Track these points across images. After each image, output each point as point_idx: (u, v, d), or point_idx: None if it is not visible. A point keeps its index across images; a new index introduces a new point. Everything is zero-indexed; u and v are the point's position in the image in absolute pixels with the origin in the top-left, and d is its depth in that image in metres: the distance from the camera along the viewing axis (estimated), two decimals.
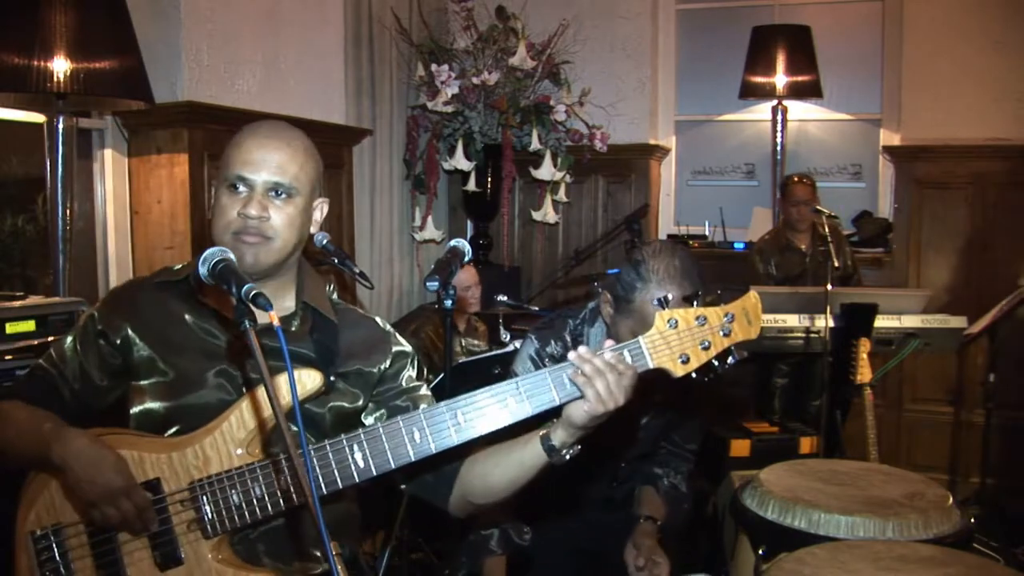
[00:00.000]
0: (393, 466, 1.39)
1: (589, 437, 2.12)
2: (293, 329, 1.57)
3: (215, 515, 1.42)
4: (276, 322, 1.18)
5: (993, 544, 3.24)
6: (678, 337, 1.34)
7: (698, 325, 1.35)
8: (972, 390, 4.39)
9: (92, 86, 2.42)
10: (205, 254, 1.33)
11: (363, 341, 1.62)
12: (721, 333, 1.35)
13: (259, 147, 1.51)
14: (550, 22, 4.69)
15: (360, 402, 1.58)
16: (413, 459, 1.38)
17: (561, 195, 4.78)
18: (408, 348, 1.66)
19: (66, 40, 2.36)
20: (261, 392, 1.44)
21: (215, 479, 1.43)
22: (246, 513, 1.42)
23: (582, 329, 2.10)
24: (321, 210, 1.61)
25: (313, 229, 1.60)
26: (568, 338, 2.08)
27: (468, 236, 5.07)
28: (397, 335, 1.67)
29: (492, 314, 3.75)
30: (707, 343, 1.35)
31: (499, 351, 3.23)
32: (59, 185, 2.59)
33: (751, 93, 4.73)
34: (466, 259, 1.90)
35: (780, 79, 4.59)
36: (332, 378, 1.53)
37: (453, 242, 1.80)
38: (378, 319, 1.69)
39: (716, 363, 1.35)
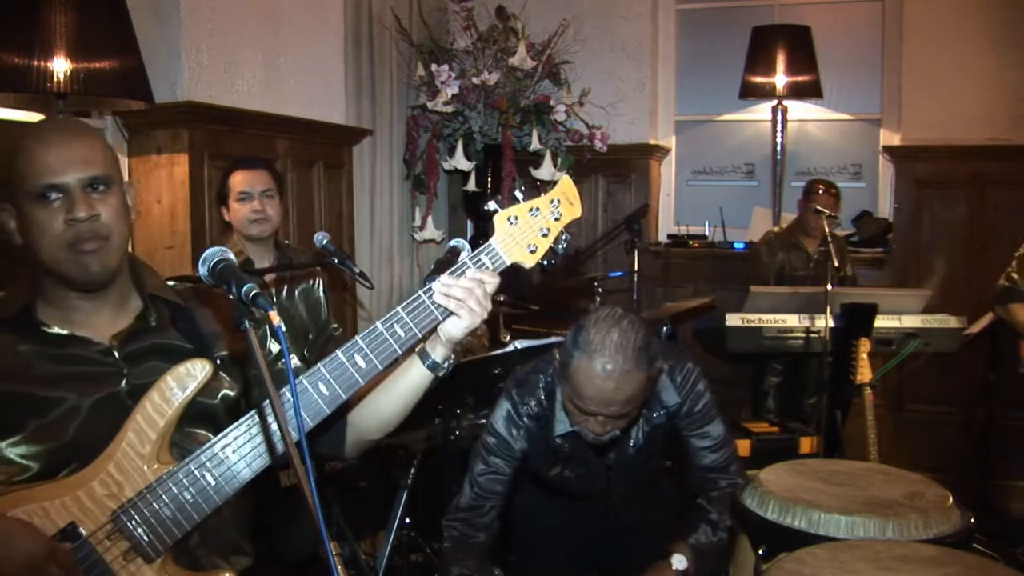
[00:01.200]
0: (311, 424, 1.37)
1: (566, 493, 2.15)
2: (153, 324, 1.47)
3: (151, 535, 1.34)
4: (276, 321, 1.18)
5: (993, 544, 3.24)
6: (520, 231, 1.46)
7: (531, 216, 1.46)
8: (972, 390, 4.39)
9: (92, 86, 2.42)
10: (205, 254, 1.31)
11: (223, 318, 1.54)
12: (552, 218, 1.47)
13: (55, 146, 1.36)
14: (550, 22, 4.69)
15: (238, 388, 1.52)
16: (328, 411, 1.38)
17: None
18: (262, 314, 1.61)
19: (66, 40, 2.36)
20: (151, 399, 1.36)
21: (137, 500, 1.34)
22: (183, 521, 1.35)
23: (554, 385, 2.07)
24: (131, 194, 1.48)
25: (133, 216, 1.47)
26: (542, 395, 2.09)
27: (468, 236, 5.06)
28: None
29: (492, 314, 3.75)
30: (545, 230, 1.46)
31: (499, 351, 3.24)
32: None
33: (751, 93, 4.74)
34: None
35: (780, 79, 4.59)
36: (218, 361, 1.48)
37: (453, 242, 1.80)
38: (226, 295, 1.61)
39: (555, 246, 1.46)
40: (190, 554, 1.41)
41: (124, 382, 1.41)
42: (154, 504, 1.34)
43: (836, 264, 3.36)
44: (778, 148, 4.71)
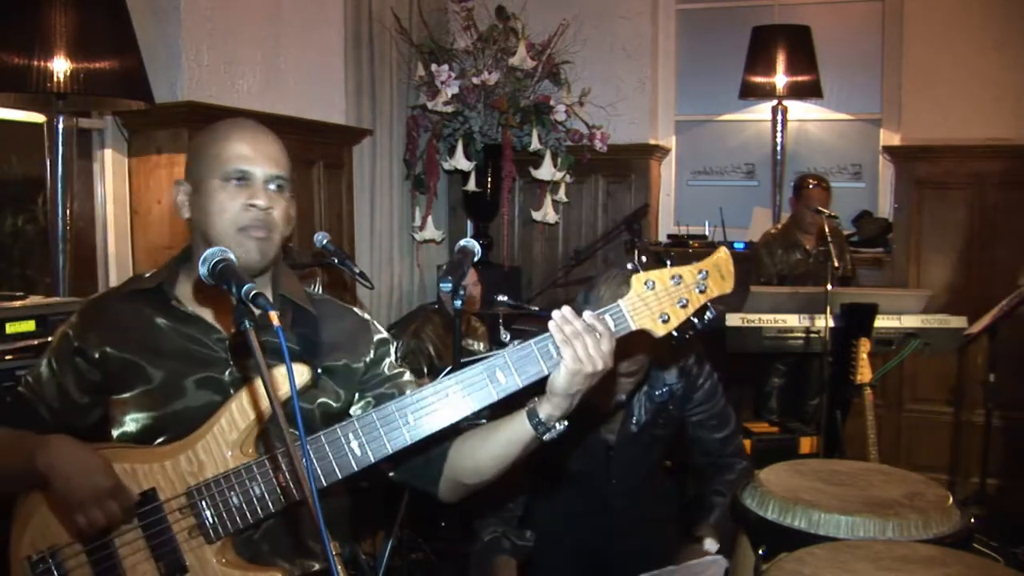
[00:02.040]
0: (390, 451, 1.38)
1: (567, 481, 2.14)
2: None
3: (216, 519, 1.41)
4: (277, 322, 1.18)
5: (993, 544, 3.24)
6: (656, 297, 1.38)
7: (674, 284, 1.38)
8: (972, 390, 4.39)
9: (92, 86, 2.42)
10: (205, 254, 1.32)
11: (345, 333, 1.60)
12: (697, 290, 1.38)
13: (252, 140, 1.51)
14: (550, 22, 4.68)
15: (343, 401, 1.57)
16: (409, 442, 1.38)
17: (561, 195, 4.78)
18: (387, 335, 1.66)
19: (66, 40, 2.36)
20: (248, 392, 1.43)
21: (212, 483, 1.42)
22: (247, 513, 1.41)
23: None
24: (293, 207, 1.58)
25: (291, 224, 1.58)
26: None
27: (468, 236, 5.07)
28: (375, 323, 1.66)
29: (492, 314, 3.75)
30: (684, 301, 1.38)
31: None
32: (59, 185, 2.59)
33: (751, 93, 4.74)
34: (476, 258, 1.91)
35: (780, 79, 4.59)
36: (320, 371, 1.52)
37: (463, 242, 1.81)
38: (356, 309, 1.68)
39: (695, 320, 1.40)
40: (252, 546, 1.47)
41: (228, 372, 1.50)
42: (226, 490, 1.41)
43: (836, 264, 3.36)
44: (778, 148, 4.71)
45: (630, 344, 1.50)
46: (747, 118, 5.07)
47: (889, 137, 4.78)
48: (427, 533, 3.59)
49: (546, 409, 1.40)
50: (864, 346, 3.16)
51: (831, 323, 3.28)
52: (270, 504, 1.42)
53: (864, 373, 3.14)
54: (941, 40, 4.52)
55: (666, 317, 1.38)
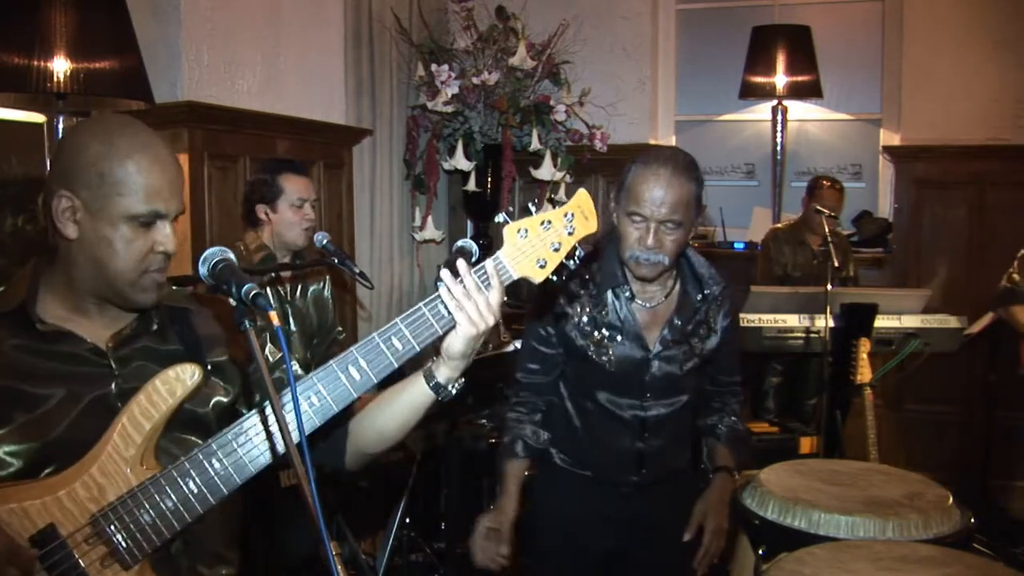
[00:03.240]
0: (336, 409, 1.36)
1: (611, 387, 2.17)
2: (154, 328, 1.46)
3: (129, 541, 1.30)
4: (277, 322, 1.17)
5: (993, 544, 3.24)
6: (530, 244, 1.41)
7: (544, 230, 1.41)
8: (972, 390, 4.39)
9: (92, 86, 2.42)
10: (205, 254, 1.30)
11: (220, 324, 1.52)
12: (566, 232, 1.41)
13: (162, 171, 1.36)
14: (550, 22, 4.69)
15: (232, 395, 1.50)
16: (319, 423, 1.35)
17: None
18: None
19: (66, 40, 2.36)
20: (139, 402, 1.34)
21: (117, 505, 1.30)
22: (163, 529, 1.32)
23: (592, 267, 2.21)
24: None
25: None
26: (583, 278, 2.20)
27: (468, 236, 5.07)
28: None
29: None
30: (557, 244, 1.41)
31: (499, 351, 3.24)
32: None
33: (751, 93, 4.74)
34: (473, 259, 1.90)
35: (780, 79, 4.59)
36: (209, 367, 1.45)
37: (460, 242, 1.80)
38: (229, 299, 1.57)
39: (567, 261, 1.42)
40: (171, 562, 1.38)
41: (114, 384, 1.39)
42: (135, 509, 1.31)
43: (836, 264, 3.36)
44: (778, 148, 4.71)
45: None
46: (747, 118, 5.07)
47: (889, 137, 4.79)
48: (427, 533, 3.59)
49: (444, 372, 1.42)
50: (864, 346, 3.16)
51: (831, 323, 3.28)
52: (186, 514, 1.33)
53: (864, 373, 3.14)
54: (941, 40, 4.52)
55: (543, 262, 1.41)
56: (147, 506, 1.31)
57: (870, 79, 4.86)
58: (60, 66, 2.36)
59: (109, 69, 2.46)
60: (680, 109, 5.21)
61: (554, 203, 4.75)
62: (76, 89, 2.39)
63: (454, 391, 1.44)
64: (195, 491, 1.33)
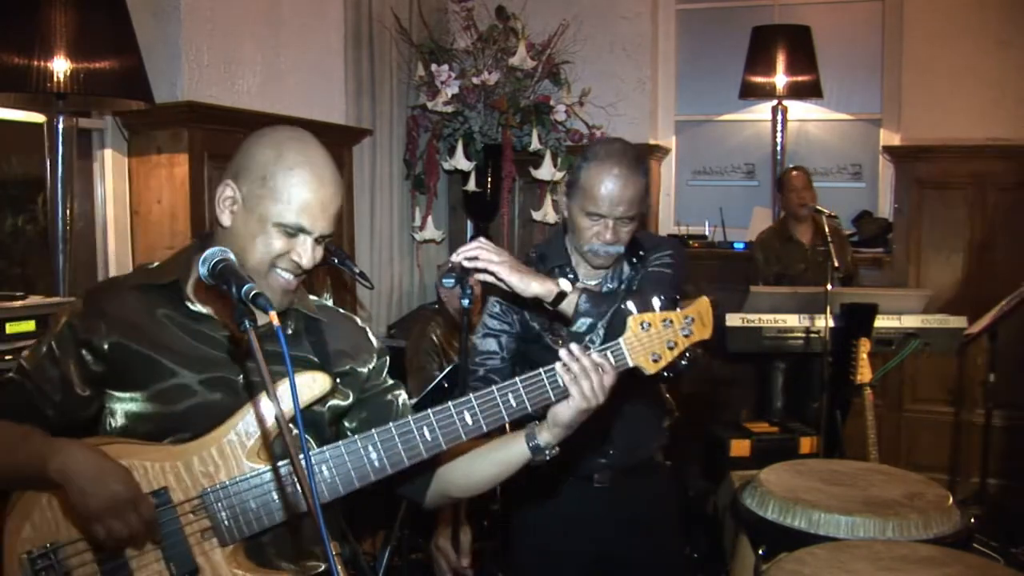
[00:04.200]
0: (407, 463, 1.43)
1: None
2: (289, 332, 1.54)
3: (232, 522, 1.40)
4: (277, 322, 1.18)
5: (993, 544, 3.24)
6: (649, 338, 1.50)
7: (664, 327, 1.51)
8: (972, 390, 4.39)
9: (92, 86, 2.42)
10: (205, 254, 1.31)
11: (350, 339, 1.61)
12: (683, 334, 1.51)
13: (319, 192, 1.43)
14: (550, 22, 4.69)
15: (350, 400, 1.58)
16: (425, 456, 1.44)
17: (561, 195, 4.77)
18: (381, 345, 1.67)
19: (66, 40, 2.36)
20: (267, 396, 1.41)
21: (229, 486, 1.41)
22: (264, 518, 1.41)
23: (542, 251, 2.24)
24: None
25: None
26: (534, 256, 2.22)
27: (468, 236, 5.06)
28: (370, 331, 1.67)
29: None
30: (672, 343, 1.51)
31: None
32: (59, 185, 2.59)
33: (751, 93, 4.74)
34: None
35: (780, 79, 4.59)
36: (338, 379, 1.53)
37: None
38: (355, 317, 1.69)
39: (679, 361, 1.52)
40: (261, 550, 1.46)
41: (242, 376, 1.47)
42: (243, 495, 1.40)
43: (836, 264, 3.36)
44: (778, 148, 4.71)
45: None
46: (747, 118, 5.07)
47: (889, 137, 4.79)
48: (427, 533, 3.59)
49: (546, 437, 1.49)
50: (864, 346, 3.16)
51: (831, 323, 3.28)
52: (285, 511, 1.42)
53: (864, 373, 3.14)
54: (941, 40, 4.52)
55: (657, 357, 1.50)
56: (255, 494, 1.41)
57: (870, 79, 4.86)
58: (60, 66, 2.36)
59: (109, 69, 2.46)
60: (680, 109, 5.21)
61: (555, 203, 4.75)
62: (76, 89, 2.39)
63: (548, 457, 1.51)
64: (300, 492, 1.39)
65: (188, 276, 1.50)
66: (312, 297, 1.64)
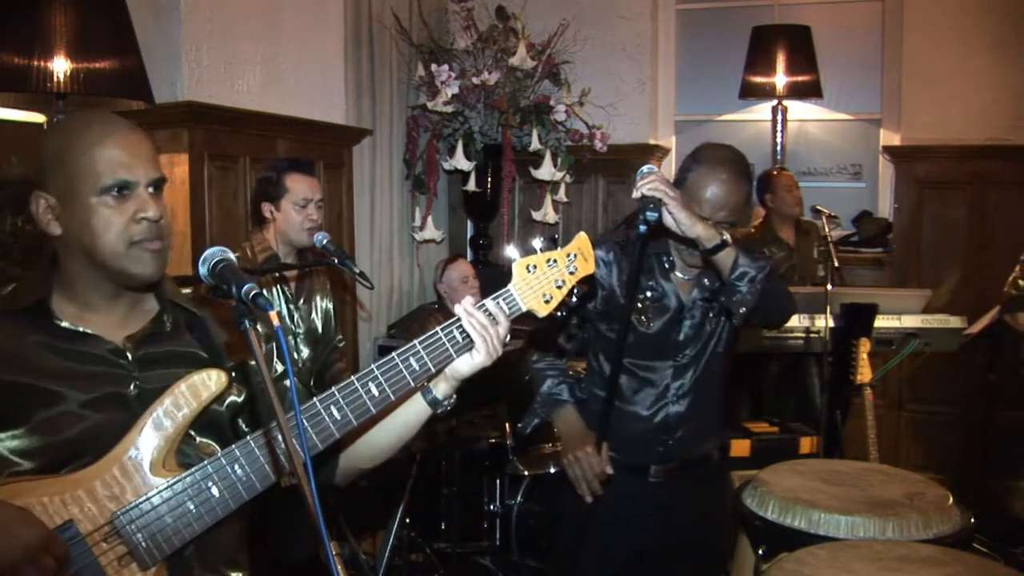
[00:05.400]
0: (321, 448, 1.39)
1: (645, 349, 2.23)
2: (168, 329, 1.46)
3: (149, 542, 1.31)
4: (277, 322, 1.17)
5: (993, 544, 3.24)
6: (537, 280, 1.52)
7: (549, 267, 1.53)
8: (972, 390, 4.39)
9: (92, 86, 2.42)
10: (205, 254, 1.30)
11: (226, 323, 1.51)
12: (568, 271, 1.54)
13: (126, 142, 1.36)
14: (550, 22, 4.69)
15: (244, 395, 1.50)
16: (337, 436, 1.40)
17: (561, 195, 4.78)
18: (270, 331, 1.57)
19: (66, 40, 2.36)
20: (161, 404, 1.35)
21: (139, 506, 1.31)
22: (183, 531, 1.33)
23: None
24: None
25: None
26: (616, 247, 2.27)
27: (468, 236, 5.07)
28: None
29: None
30: (560, 282, 1.53)
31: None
32: None
33: (751, 93, 4.74)
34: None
35: (780, 79, 4.59)
36: (233, 374, 1.46)
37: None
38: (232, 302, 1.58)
39: (568, 298, 1.54)
40: (184, 565, 1.38)
41: (133, 385, 1.39)
42: (156, 511, 1.32)
43: (837, 264, 3.36)
44: (778, 148, 4.71)
45: None
46: (747, 118, 5.07)
47: (889, 137, 4.78)
48: (427, 533, 3.59)
49: (443, 389, 1.50)
50: (864, 346, 3.16)
51: (831, 323, 3.28)
52: (207, 519, 1.34)
53: (864, 373, 3.14)
54: (941, 40, 4.52)
55: (548, 297, 1.52)
56: (169, 508, 1.32)
57: (870, 79, 4.85)
58: (60, 66, 2.36)
59: (109, 69, 2.46)
60: (680, 109, 5.21)
61: (555, 203, 4.76)
62: (76, 89, 2.39)
63: (449, 407, 1.52)
64: (217, 496, 1.35)
65: (52, 293, 1.40)
66: (185, 290, 1.55)
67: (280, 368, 1.60)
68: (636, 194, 1.98)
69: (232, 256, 1.31)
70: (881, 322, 3.32)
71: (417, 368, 1.43)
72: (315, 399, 1.38)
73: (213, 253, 1.30)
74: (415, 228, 4.65)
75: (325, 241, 2.85)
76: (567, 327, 2.27)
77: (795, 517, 2.00)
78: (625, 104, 4.86)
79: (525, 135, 4.54)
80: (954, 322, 3.43)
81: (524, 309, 1.51)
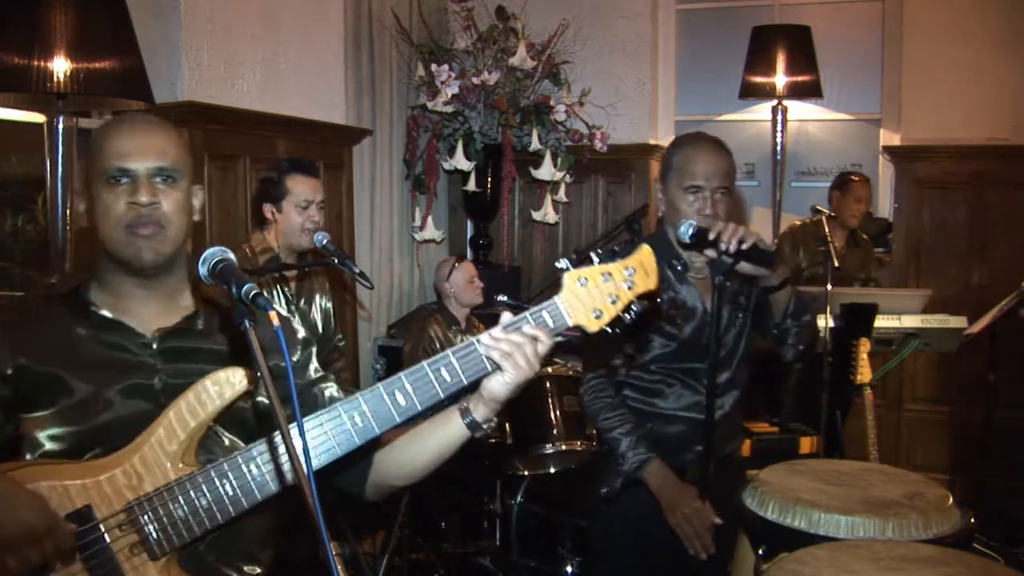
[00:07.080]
0: (340, 454, 1.36)
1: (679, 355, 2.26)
2: (200, 328, 1.49)
3: (160, 534, 1.34)
4: (276, 322, 1.17)
5: (993, 544, 3.24)
6: (588, 294, 1.42)
7: (604, 281, 1.42)
8: (972, 390, 4.39)
9: (92, 86, 2.42)
10: (205, 254, 1.30)
11: (270, 330, 1.53)
12: (625, 286, 1.43)
13: (131, 134, 1.43)
14: (550, 22, 4.69)
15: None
16: (358, 443, 1.37)
17: (561, 195, 4.78)
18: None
19: (66, 40, 2.36)
20: (186, 399, 1.37)
21: (154, 496, 1.34)
22: (194, 526, 1.35)
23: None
24: (199, 197, 1.53)
25: (196, 218, 1.51)
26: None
27: (468, 236, 5.07)
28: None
29: (492, 314, 3.75)
30: (614, 297, 1.43)
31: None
32: (59, 185, 2.58)
33: (751, 93, 4.73)
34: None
35: (780, 79, 4.58)
36: (258, 373, 1.48)
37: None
38: (277, 307, 1.59)
39: (624, 315, 1.44)
40: (198, 559, 1.41)
41: (158, 378, 1.43)
42: (170, 504, 1.35)
43: (836, 265, 3.36)
44: (778, 148, 4.70)
45: None
46: (747, 118, 5.06)
47: (889, 137, 4.78)
48: (427, 533, 3.59)
49: (483, 412, 1.43)
50: (864, 346, 3.16)
51: (831, 323, 3.28)
52: (218, 515, 1.36)
53: (864, 373, 3.14)
54: (941, 40, 4.52)
55: (599, 313, 1.42)
56: (182, 501, 1.35)
57: (870, 79, 4.86)
58: (60, 66, 2.36)
59: (109, 69, 2.45)
60: (680, 109, 5.21)
61: (555, 203, 4.76)
62: (76, 89, 2.38)
63: (488, 430, 1.45)
64: (230, 493, 1.36)
65: (90, 281, 1.47)
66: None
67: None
68: (731, 247, 1.96)
69: (232, 256, 1.31)
70: (881, 322, 3.32)
71: (449, 379, 1.37)
72: (338, 404, 1.37)
73: (213, 253, 1.31)
74: (415, 228, 4.65)
75: (325, 241, 2.85)
76: (623, 349, 2.23)
77: (795, 517, 2.00)
78: (625, 104, 4.86)
79: (525, 135, 4.54)
80: (954, 322, 3.43)
81: (571, 324, 1.42)
